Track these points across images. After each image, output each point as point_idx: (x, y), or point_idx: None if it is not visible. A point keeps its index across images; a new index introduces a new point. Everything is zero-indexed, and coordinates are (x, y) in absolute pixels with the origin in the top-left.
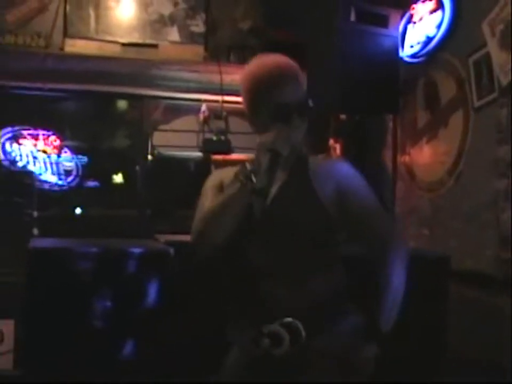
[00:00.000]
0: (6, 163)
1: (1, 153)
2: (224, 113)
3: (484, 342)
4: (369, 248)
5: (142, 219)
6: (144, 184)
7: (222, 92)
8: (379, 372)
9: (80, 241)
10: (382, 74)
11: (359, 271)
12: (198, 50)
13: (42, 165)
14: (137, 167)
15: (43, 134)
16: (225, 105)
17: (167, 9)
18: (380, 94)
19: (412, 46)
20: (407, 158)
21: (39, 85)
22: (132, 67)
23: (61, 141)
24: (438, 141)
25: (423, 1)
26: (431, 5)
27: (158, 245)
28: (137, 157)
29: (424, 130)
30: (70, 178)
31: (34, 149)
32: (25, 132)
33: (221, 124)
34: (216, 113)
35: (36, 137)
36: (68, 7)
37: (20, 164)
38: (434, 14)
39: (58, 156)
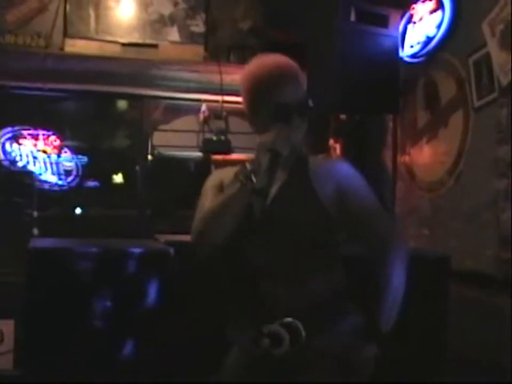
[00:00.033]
0: (6, 163)
1: (1, 153)
2: (224, 113)
3: (484, 342)
4: (369, 248)
5: (142, 219)
6: (144, 184)
7: (222, 92)
8: (379, 372)
9: (80, 241)
10: (382, 74)
11: (359, 271)
12: (198, 50)
13: (42, 165)
14: (137, 167)
15: (43, 134)
16: (225, 105)
17: (167, 9)
18: (379, 94)
19: (411, 46)
20: (407, 158)
21: (39, 85)
22: (132, 67)
23: (61, 141)
24: (438, 141)
25: (423, 1)
26: (431, 5)
27: (158, 245)
28: (137, 157)
29: (424, 130)
30: (70, 178)
31: (34, 149)
32: (25, 132)
33: (221, 124)
34: (216, 113)
35: (36, 137)
36: (68, 7)
37: (20, 164)
38: (434, 14)
39: (58, 156)
